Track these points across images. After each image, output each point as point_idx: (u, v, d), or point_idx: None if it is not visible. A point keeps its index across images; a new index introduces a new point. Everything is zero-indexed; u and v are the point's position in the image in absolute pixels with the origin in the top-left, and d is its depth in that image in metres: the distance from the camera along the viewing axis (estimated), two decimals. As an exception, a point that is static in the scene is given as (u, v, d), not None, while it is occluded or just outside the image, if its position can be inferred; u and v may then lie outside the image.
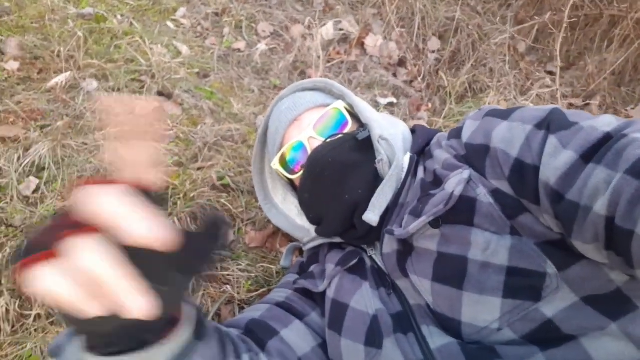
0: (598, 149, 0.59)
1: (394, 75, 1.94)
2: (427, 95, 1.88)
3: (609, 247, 0.56)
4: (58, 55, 1.51)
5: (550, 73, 2.20)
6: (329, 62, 1.88)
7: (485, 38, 2.10)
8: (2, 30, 1.53)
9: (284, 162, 1.04)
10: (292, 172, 1.03)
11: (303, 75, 1.83)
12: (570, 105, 1.93)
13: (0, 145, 1.19)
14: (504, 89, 1.90)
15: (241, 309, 1.08)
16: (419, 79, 1.91)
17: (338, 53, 1.95)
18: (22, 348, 0.89)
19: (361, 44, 2.01)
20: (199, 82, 1.64)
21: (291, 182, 1.12)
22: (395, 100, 1.81)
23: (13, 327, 0.91)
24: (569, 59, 2.28)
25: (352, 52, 1.96)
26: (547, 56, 2.25)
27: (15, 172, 1.14)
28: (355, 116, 1.02)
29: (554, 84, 2.03)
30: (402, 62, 1.99)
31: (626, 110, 1.99)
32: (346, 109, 1.02)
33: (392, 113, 1.75)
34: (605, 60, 2.08)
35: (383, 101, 1.79)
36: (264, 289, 1.13)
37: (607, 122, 0.62)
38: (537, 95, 1.80)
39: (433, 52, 2.05)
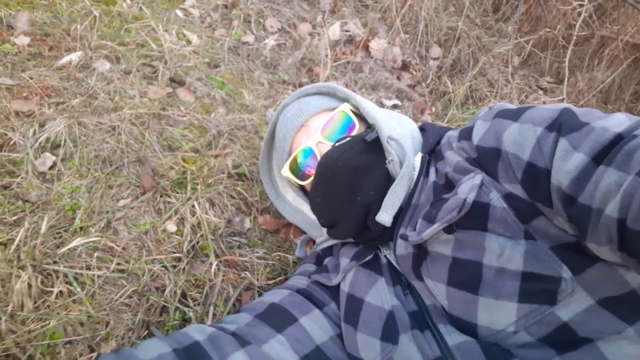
0: (609, 151, 0.58)
1: (398, 78, 1.98)
2: (430, 100, 1.92)
3: (622, 248, 0.56)
4: (69, 34, 1.47)
5: (542, 88, 2.29)
6: (335, 61, 1.90)
7: (484, 49, 2.16)
8: (11, 5, 1.48)
9: (294, 169, 1.04)
10: (302, 177, 1.03)
11: (310, 72, 1.84)
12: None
13: (14, 119, 1.15)
14: (502, 99, 1.97)
15: (260, 295, 1.08)
16: (423, 84, 1.96)
17: (344, 53, 1.98)
18: (46, 325, 0.86)
19: (366, 47, 2.04)
20: (209, 72, 1.63)
21: (302, 188, 1.13)
22: (399, 103, 1.84)
23: (35, 303, 0.89)
24: (559, 75, 2.38)
25: (358, 54, 1.99)
26: (540, 71, 2.34)
27: (31, 147, 1.11)
28: (362, 117, 1.02)
29: (546, 98, 2.11)
30: (405, 67, 2.03)
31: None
32: (352, 111, 1.02)
33: (397, 115, 1.79)
34: (594, 78, 2.18)
35: (388, 103, 1.82)
36: (281, 277, 1.13)
37: (618, 122, 0.61)
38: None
39: (435, 59, 2.10)
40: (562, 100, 1.81)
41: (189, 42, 1.72)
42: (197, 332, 0.78)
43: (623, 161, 0.56)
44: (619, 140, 0.59)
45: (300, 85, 1.75)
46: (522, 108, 0.75)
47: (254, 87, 1.66)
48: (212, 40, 1.79)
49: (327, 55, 1.82)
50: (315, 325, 0.87)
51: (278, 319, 0.86)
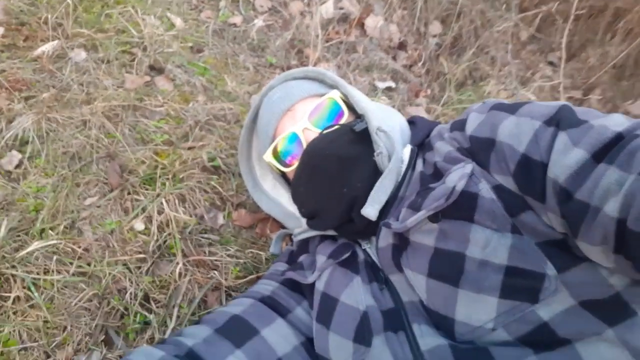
0: (610, 149, 0.58)
1: (394, 58, 1.89)
2: (427, 81, 1.84)
3: (618, 250, 0.56)
4: (45, 22, 1.44)
5: (551, 63, 2.17)
6: (327, 41, 1.82)
7: (488, 25, 2.05)
8: (-14, -7, 1.46)
9: (277, 155, 1.00)
10: (285, 164, 1.00)
11: (300, 54, 1.77)
12: (570, 99, 1.90)
13: (-19, 116, 1.14)
14: (505, 78, 1.87)
15: (228, 295, 1.06)
16: (419, 64, 1.87)
17: (337, 33, 1.89)
18: (0, 331, 0.86)
19: (361, 25, 1.95)
20: (192, 57, 1.58)
21: (283, 175, 1.09)
22: (393, 85, 1.77)
23: (-9, 308, 0.88)
24: (570, 50, 2.24)
25: (352, 33, 1.90)
26: (549, 46, 2.21)
27: (-3, 145, 1.10)
28: (350, 106, 0.98)
29: (555, 75, 2.00)
30: (402, 46, 1.94)
31: (625, 104, 1.97)
32: (341, 99, 0.98)
33: (390, 98, 1.72)
34: (607, 53, 2.05)
35: (381, 85, 1.75)
36: (252, 276, 1.11)
37: (618, 122, 0.61)
38: (538, 87, 1.77)
39: (434, 36, 2.00)
40: (558, 84, 1.71)
41: (172, 25, 1.67)
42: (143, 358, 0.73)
43: (625, 160, 0.55)
44: (619, 139, 0.59)
45: (289, 68, 1.69)
46: (519, 103, 0.76)
47: (238, 72, 1.61)
48: (197, 23, 1.73)
49: (317, 36, 1.74)
50: (278, 336, 0.85)
51: (239, 332, 0.83)
